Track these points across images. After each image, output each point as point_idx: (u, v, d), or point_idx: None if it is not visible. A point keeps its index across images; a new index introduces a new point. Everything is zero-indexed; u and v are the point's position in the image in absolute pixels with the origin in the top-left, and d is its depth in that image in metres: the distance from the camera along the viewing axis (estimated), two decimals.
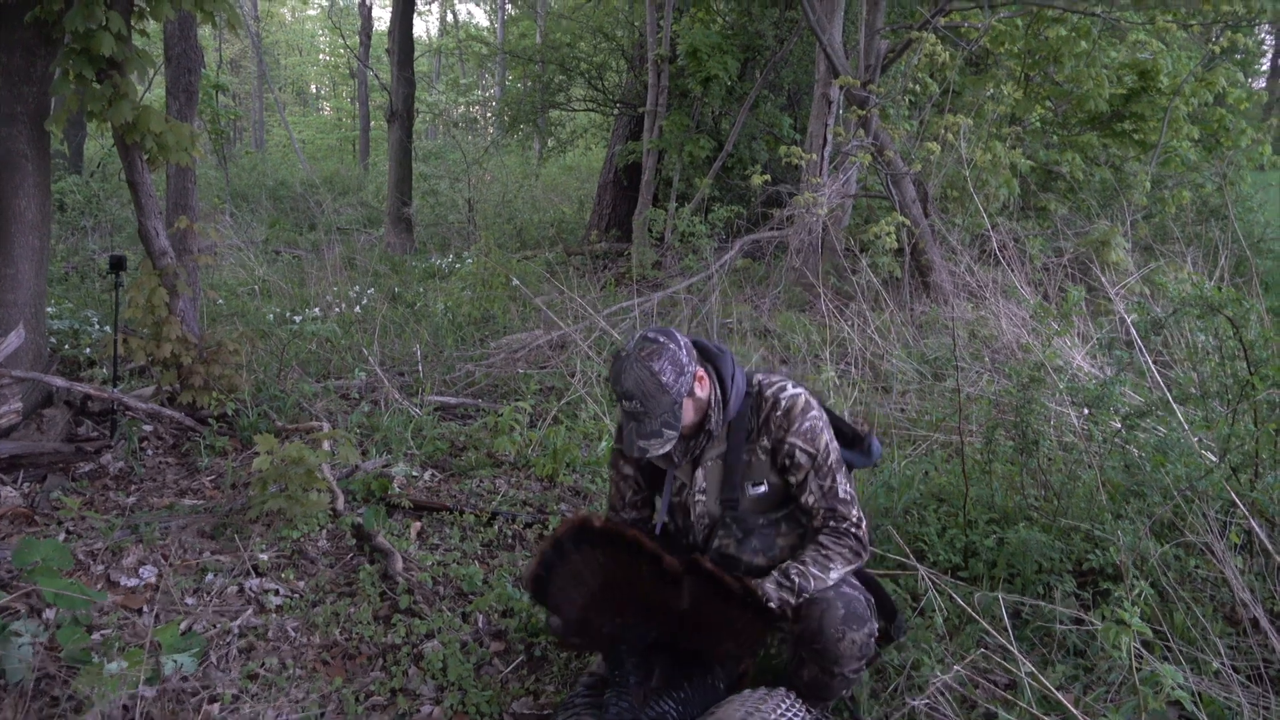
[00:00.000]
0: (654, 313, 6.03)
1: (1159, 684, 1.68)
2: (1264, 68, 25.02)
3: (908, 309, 6.87)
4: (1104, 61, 9.07)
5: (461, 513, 3.96)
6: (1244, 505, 2.53)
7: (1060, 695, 2.23)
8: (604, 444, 4.61)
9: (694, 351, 2.56)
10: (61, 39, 4.53)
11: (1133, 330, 3.02)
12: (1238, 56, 12.07)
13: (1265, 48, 22.69)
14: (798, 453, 2.56)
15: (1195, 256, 7.56)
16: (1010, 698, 2.52)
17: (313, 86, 40.33)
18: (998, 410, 3.86)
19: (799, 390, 2.60)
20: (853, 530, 2.58)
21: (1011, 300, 5.32)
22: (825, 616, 2.45)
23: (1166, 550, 2.76)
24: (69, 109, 4.50)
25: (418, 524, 3.86)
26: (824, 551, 2.57)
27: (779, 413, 2.57)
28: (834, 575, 2.54)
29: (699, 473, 2.65)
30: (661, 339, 2.49)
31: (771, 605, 2.45)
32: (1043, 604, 3.02)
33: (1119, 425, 3.09)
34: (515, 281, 8.39)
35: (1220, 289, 2.64)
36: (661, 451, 2.46)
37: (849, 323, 6.27)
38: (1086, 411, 3.41)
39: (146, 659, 2.65)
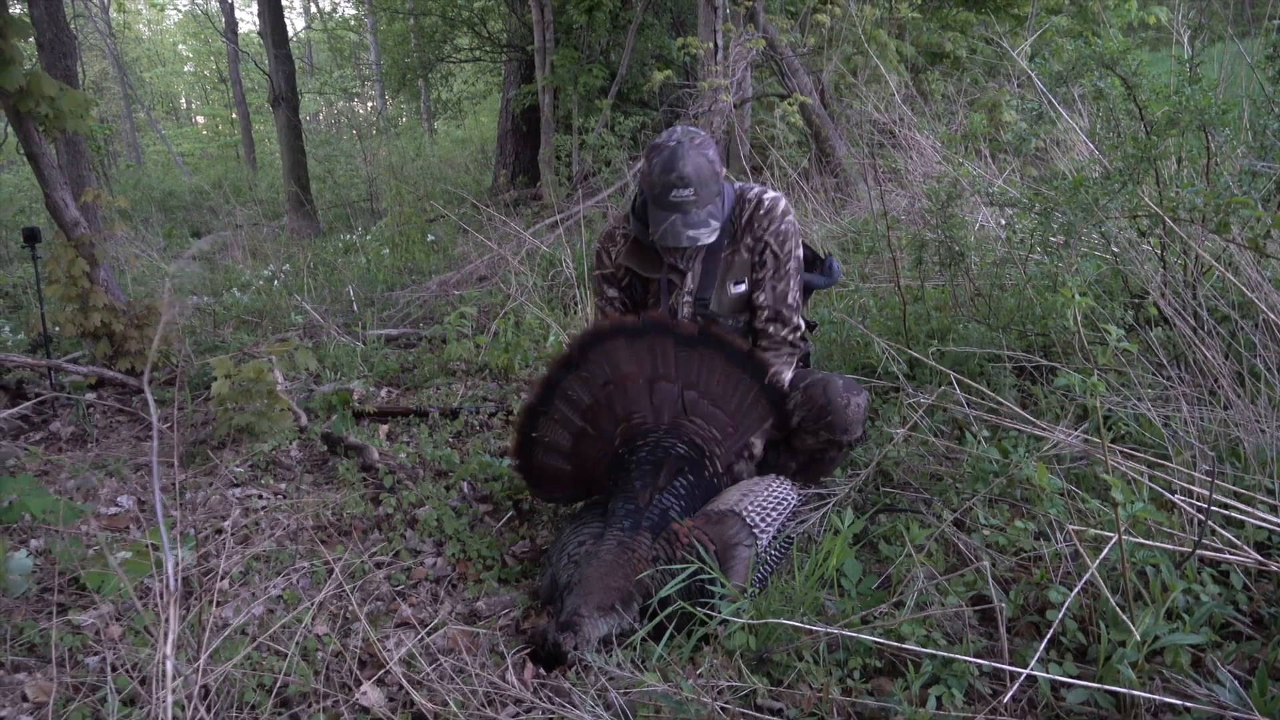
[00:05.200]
0: (581, 224, 6.10)
1: (1104, 338, 1.85)
2: None
3: (820, 193, 7.05)
4: None
5: (425, 414, 4.01)
6: (1154, 205, 2.74)
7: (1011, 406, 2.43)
8: (551, 338, 4.69)
9: None
10: None
11: (1038, 83, 3.21)
12: None
13: None
14: (768, 252, 2.71)
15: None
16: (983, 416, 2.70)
17: (183, 100, 39.09)
18: (921, 230, 4.05)
19: (779, 194, 2.74)
20: (788, 337, 2.78)
21: (917, 151, 5.53)
22: (829, 389, 2.62)
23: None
24: None
25: (385, 427, 3.91)
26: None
27: (761, 211, 2.71)
28: (788, 378, 2.73)
29: (689, 276, 2.76)
30: (702, 132, 2.59)
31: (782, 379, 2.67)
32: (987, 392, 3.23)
33: (1035, 216, 3.28)
34: (432, 237, 8.38)
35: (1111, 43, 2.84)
36: (710, 240, 2.56)
37: None
38: (1010, 211, 3.61)
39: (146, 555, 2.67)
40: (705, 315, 2.75)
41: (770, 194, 2.73)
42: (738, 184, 2.80)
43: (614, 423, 2.69)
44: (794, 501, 2.59)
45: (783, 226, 2.70)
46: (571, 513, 2.99)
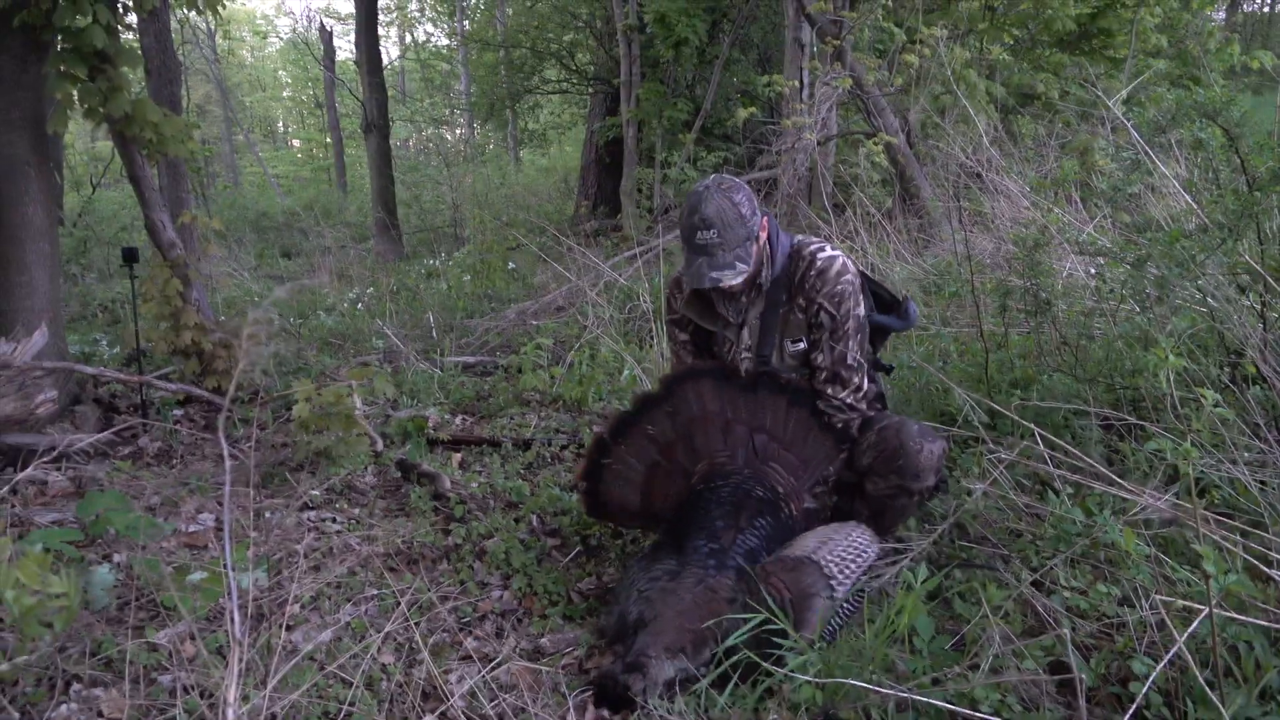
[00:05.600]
0: (660, 258, 6.13)
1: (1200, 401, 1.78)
2: None
3: (903, 234, 6.96)
4: None
5: (498, 444, 4.05)
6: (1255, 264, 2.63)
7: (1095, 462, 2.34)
8: (626, 372, 4.70)
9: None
10: (50, 42, 4.59)
11: (1134, 133, 3.12)
12: None
13: None
14: (822, 314, 2.67)
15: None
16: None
17: (280, 124, 40.41)
18: (1006, 276, 3.96)
19: (836, 253, 2.69)
20: (847, 400, 2.72)
21: (1005, 195, 5.43)
22: (902, 432, 2.57)
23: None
24: (66, 108, 4.58)
25: (458, 455, 3.95)
26: None
27: (814, 272, 2.67)
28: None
29: (745, 331, 2.76)
30: (736, 180, 2.61)
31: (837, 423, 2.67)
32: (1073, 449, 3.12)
33: (1128, 265, 3.18)
34: (512, 266, 8.49)
35: (1213, 94, 2.75)
36: (734, 282, 2.56)
37: (850, 251, 6.37)
38: (1100, 261, 3.51)
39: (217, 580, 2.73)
40: (766, 372, 2.74)
41: (826, 252, 2.68)
42: (796, 238, 2.77)
43: (693, 459, 2.69)
44: (874, 553, 2.52)
45: (838, 288, 2.65)
46: (638, 549, 2.98)
